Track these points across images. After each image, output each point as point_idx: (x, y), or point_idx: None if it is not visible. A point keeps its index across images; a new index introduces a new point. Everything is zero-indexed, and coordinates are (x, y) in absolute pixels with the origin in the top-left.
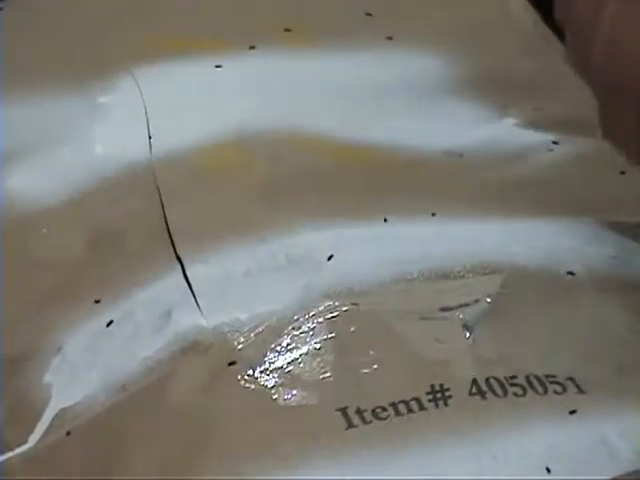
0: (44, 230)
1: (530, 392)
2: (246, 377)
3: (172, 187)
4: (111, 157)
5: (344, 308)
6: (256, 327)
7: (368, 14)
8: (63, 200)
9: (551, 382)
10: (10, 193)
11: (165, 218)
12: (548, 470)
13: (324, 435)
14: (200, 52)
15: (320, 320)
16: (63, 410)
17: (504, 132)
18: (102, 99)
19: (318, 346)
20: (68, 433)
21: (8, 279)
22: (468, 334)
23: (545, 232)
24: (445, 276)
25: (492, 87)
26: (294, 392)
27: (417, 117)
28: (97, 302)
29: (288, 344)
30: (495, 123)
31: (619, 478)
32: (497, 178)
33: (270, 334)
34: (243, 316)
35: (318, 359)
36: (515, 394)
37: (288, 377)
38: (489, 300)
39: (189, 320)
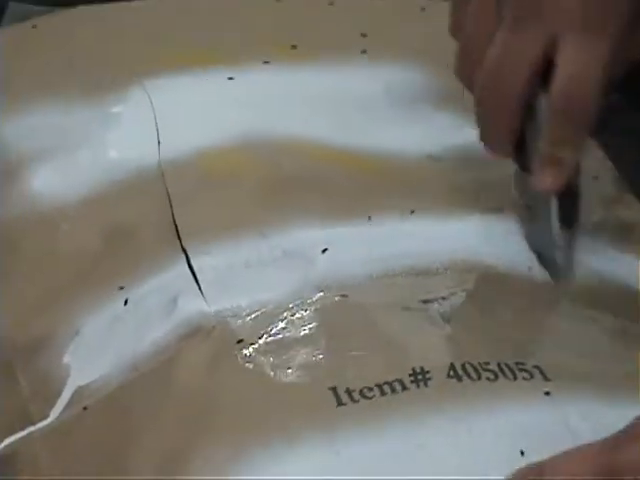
0: (64, 225)
1: (501, 378)
2: (246, 358)
3: (179, 188)
4: (124, 161)
5: (335, 299)
6: (255, 312)
7: (363, 35)
8: (81, 199)
9: (520, 369)
10: (34, 192)
11: (173, 216)
12: (522, 453)
13: (317, 411)
14: (215, 65)
15: (313, 308)
16: (80, 388)
17: None
18: (115, 109)
19: (311, 332)
20: (85, 408)
21: (32, 269)
22: (445, 324)
23: (516, 232)
24: (424, 272)
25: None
26: (289, 372)
27: (400, 125)
28: (121, 289)
29: (284, 328)
30: (471, 130)
31: None
32: (472, 180)
33: (267, 319)
34: (243, 303)
35: (311, 343)
36: (488, 379)
37: (284, 358)
38: (464, 294)
39: (193, 306)
